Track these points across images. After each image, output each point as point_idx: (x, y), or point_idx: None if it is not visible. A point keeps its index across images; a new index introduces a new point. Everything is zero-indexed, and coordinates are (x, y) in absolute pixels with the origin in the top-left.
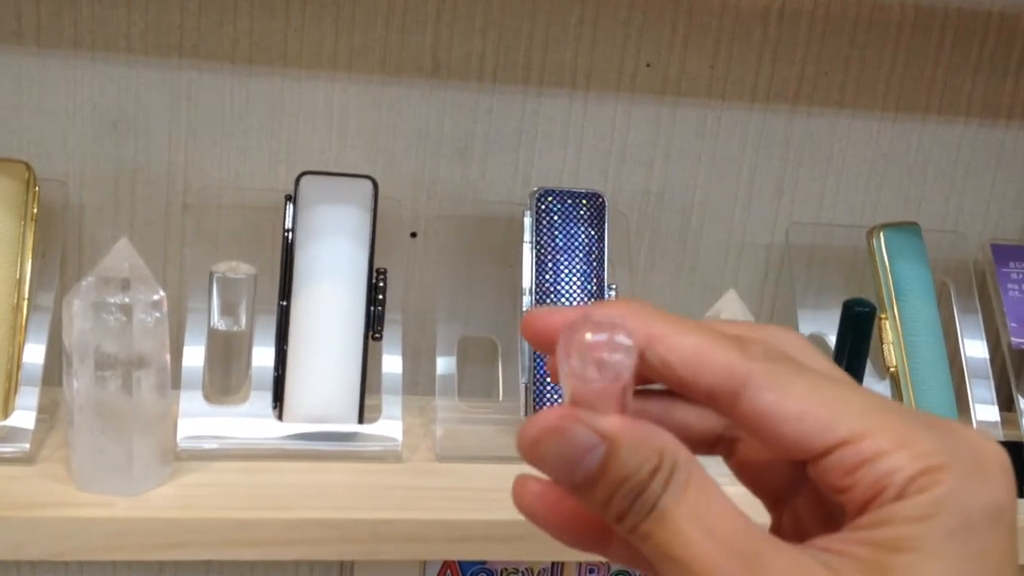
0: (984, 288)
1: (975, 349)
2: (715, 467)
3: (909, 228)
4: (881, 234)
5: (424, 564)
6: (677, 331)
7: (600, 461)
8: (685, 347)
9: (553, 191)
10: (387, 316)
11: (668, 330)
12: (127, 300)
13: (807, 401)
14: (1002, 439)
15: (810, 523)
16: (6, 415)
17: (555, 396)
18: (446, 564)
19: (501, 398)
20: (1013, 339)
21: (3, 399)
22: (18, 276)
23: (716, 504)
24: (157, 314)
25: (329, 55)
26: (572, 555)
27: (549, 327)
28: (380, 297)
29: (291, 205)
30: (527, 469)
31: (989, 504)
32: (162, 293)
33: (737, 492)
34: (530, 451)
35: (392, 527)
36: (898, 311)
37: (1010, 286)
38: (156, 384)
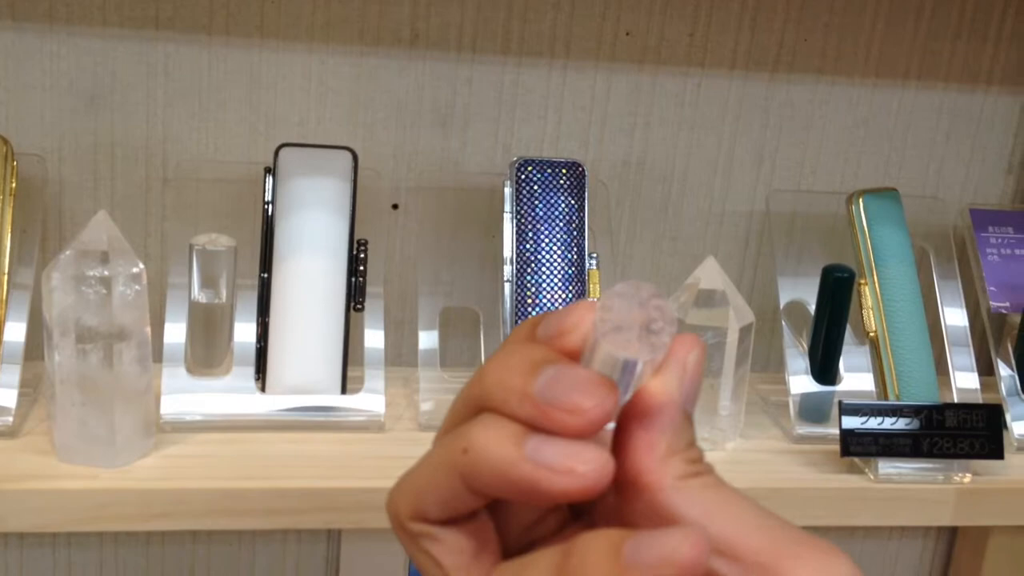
0: (963, 253)
1: (954, 314)
2: None
3: (888, 194)
4: (860, 200)
5: None
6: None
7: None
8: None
9: (533, 161)
10: (369, 290)
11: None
12: (106, 273)
13: None
14: (981, 403)
15: None
16: None
17: None
18: None
19: None
20: (992, 304)
21: None
22: None
23: None
24: (137, 287)
25: (307, 26)
26: None
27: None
28: (361, 268)
29: (270, 177)
30: None
31: None
32: (141, 266)
33: None
34: (701, 360)
35: (377, 496)
36: (877, 276)
37: (989, 251)
38: (137, 356)
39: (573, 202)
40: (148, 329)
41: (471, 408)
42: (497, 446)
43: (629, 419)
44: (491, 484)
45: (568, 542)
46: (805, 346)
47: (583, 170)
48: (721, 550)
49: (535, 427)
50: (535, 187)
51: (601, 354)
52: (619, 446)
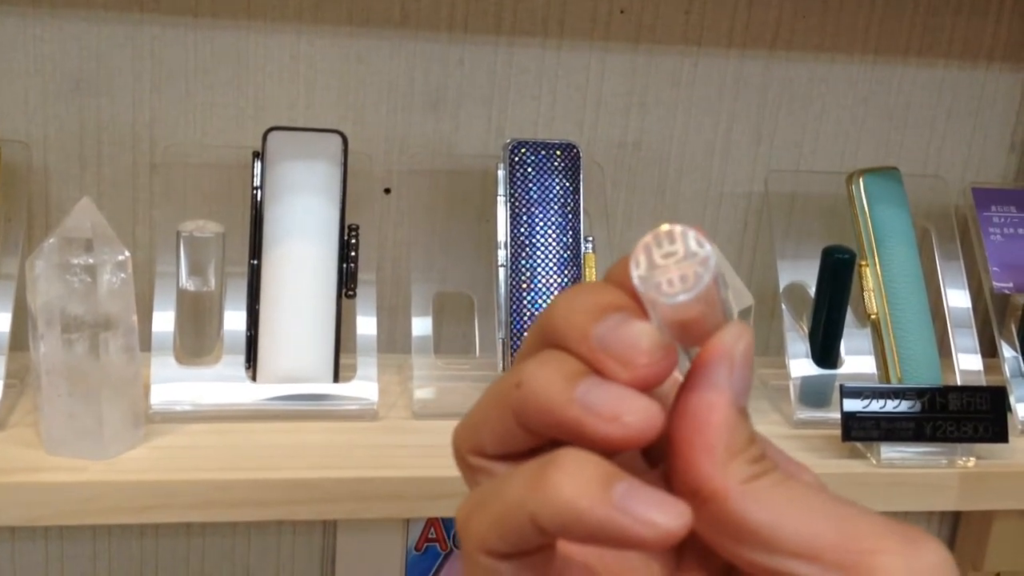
0: (966, 232)
1: (957, 295)
2: None
3: (889, 173)
4: (861, 180)
5: (407, 522)
6: None
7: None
8: None
9: (526, 143)
10: (361, 276)
11: None
12: (91, 261)
13: None
14: (984, 385)
15: None
16: None
17: None
18: (430, 522)
19: (478, 354)
20: (995, 284)
21: None
22: None
23: None
24: (123, 275)
25: (295, 7)
26: None
27: None
28: (352, 254)
29: (259, 162)
30: None
31: None
32: (127, 253)
33: None
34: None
35: (372, 485)
36: (878, 257)
37: (992, 230)
38: (124, 346)
39: (568, 185)
40: (135, 318)
41: (539, 339)
42: (548, 384)
43: (680, 422)
44: (539, 422)
45: (552, 452)
46: (805, 329)
47: (578, 152)
48: (798, 552)
49: (592, 368)
50: (529, 170)
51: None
52: (674, 452)
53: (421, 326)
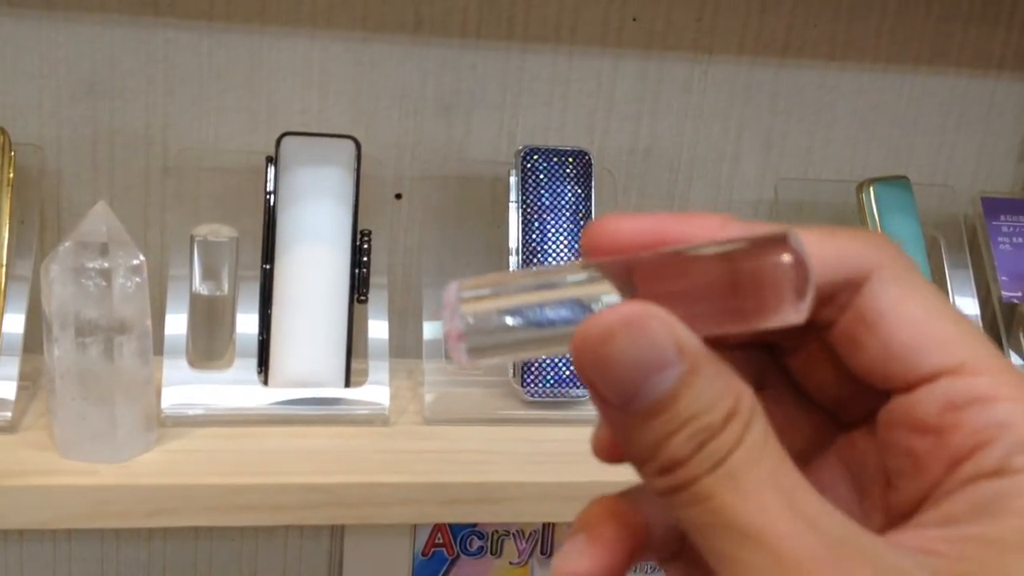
0: (975, 242)
1: (966, 304)
2: None
3: (899, 182)
4: (871, 188)
5: (415, 527)
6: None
7: (673, 385)
8: (810, 233)
9: (539, 149)
10: (373, 280)
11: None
12: (106, 265)
13: (930, 309)
14: None
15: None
16: None
17: (543, 360)
18: (437, 527)
19: None
20: (1004, 293)
21: None
22: None
23: (795, 474)
24: (137, 279)
25: (308, 12)
26: (562, 516)
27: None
28: (365, 259)
29: (272, 167)
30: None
31: None
32: (142, 257)
33: None
34: (593, 350)
35: (381, 491)
36: None
37: (1001, 239)
38: (138, 350)
39: (579, 191)
40: (149, 322)
41: None
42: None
43: None
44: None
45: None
46: None
47: (589, 158)
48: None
49: None
50: (541, 176)
51: None
52: None
53: (432, 331)
